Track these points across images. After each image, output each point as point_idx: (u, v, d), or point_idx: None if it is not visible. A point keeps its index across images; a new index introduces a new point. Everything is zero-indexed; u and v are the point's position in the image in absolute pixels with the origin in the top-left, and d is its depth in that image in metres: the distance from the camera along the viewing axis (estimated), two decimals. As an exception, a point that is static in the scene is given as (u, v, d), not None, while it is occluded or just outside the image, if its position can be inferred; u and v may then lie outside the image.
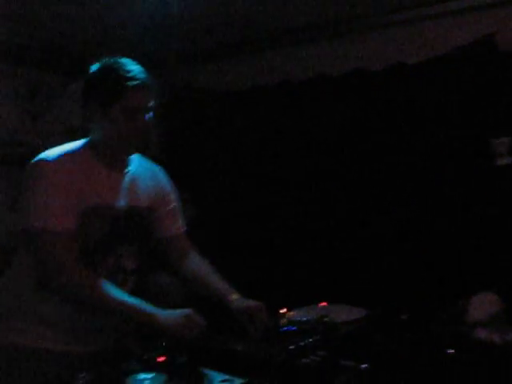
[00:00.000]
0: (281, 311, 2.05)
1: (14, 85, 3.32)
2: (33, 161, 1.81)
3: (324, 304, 2.29)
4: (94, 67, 1.88)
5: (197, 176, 3.66)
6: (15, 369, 1.81)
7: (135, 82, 1.81)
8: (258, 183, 3.49)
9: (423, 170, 2.94)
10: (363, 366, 1.68)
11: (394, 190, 3.01)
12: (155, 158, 2.20)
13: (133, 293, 2.00)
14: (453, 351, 1.88)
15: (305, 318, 2.01)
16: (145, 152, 2.11)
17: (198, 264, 2.11)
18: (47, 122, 3.43)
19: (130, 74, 1.81)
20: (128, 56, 1.91)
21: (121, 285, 1.94)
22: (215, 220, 3.53)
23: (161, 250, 2.12)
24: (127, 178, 1.96)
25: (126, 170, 1.97)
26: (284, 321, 2.00)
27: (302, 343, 1.69)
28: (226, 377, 1.48)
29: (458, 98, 2.85)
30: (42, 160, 1.80)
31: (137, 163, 2.03)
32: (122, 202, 1.92)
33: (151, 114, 1.88)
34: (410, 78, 3.01)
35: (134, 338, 2.03)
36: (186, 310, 1.75)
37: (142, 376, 1.46)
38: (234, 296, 1.96)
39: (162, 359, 1.59)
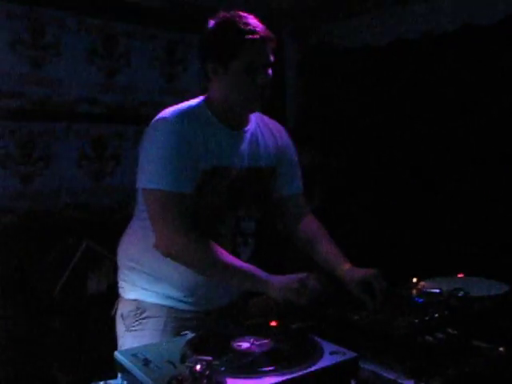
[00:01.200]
0: (411, 280, 1.89)
1: (151, 47, 3.39)
2: (153, 120, 1.79)
3: (461, 275, 2.07)
4: (211, 22, 1.78)
5: (332, 136, 3.53)
6: (138, 320, 1.86)
7: (255, 36, 1.71)
8: (396, 142, 3.29)
9: None
10: (500, 349, 1.48)
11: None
12: (292, 122, 2.12)
13: (253, 254, 1.96)
14: None
15: (437, 290, 1.81)
16: (282, 117, 2.02)
17: (312, 228, 2.00)
18: (184, 82, 3.47)
19: (248, 28, 1.72)
20: (257, 14, 1.81)
21: (242, 247, 1.89)
22: (344, 179, 3.39)
23: (277, 211, 2.04)
24: (247, 137, 1.88)
25: (246, 129, 1.89)
26: (414, 291, 1.84)
27: (427, 317, 1.51)
28: (339, 348, 1.35)
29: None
30: (161, 119, 1.76)
31: (257, 121, 1.95)
32: (242, 163, 1.85)
33: (270, 70, 1.78)
34: None
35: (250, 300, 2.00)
36: (301, 275, 1.65)
37: (248, 339, 1.38)
38: (347, 266, 1.82)
39: (273, 324, 1.51)
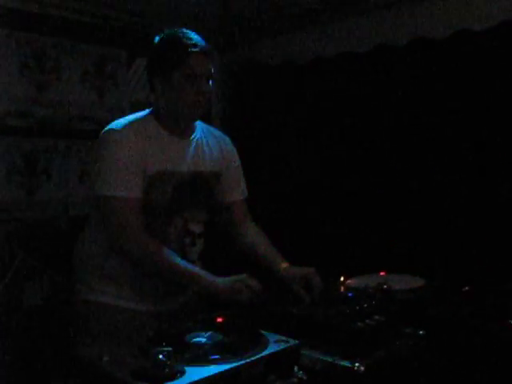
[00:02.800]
0: (340, 279, 2.08)
1: (80, 61, 3.42)
2: (103, 131, 1.93)
3: (383, 273, 2.29)
4: (158, 38, 1.97)
5: (257, 149, 3.69)
6: (88, 321, 1.95)
7: (196, 49, 1.89)
8: (319, 155, 3.50)
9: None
10: (420, 332, 1.68)
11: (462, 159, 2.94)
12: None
13: (202, 255, 2.09)
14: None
15: (363, 285, 2.01)
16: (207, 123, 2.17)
17: (252, 232, 2.16)
18: (114, 97, 3.54)
19: (191, 42, 1.90)
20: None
21: (189, 247, 2.02)
22: (272, 190, 3.55)
23: (221, 216, 2.18)
24: (192, 144, 2.03)
25: (192, 137, 2.04)
26: (342, 288, 2.03)
27: (357, 307, 1.70)
28: (281, 337, 1.50)
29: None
30: (110, 130, 1.91)
31: (202, 130, 2.11)
32: (187, 168, 2.00)
33: (212, 81, 1.94)
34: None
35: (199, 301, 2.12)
36: (242, 275, 1.80)
37: (200, 334, 1.51)
38: (285, 265, 2.00)
39: (220, 320, 1.64)
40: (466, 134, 2.89)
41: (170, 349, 1.29)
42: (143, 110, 2.05)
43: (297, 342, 1.48)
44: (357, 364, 1.44)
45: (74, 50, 3.40)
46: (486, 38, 2.77)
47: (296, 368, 1.45)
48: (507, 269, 2.51)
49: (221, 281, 1.82)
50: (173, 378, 1.25)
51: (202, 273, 1.84)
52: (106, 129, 1.92)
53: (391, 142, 3.20)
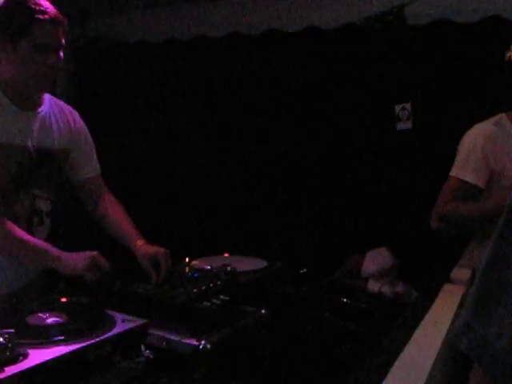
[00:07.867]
0: (184, 260, 2.10)
1: None
2: None
3: (226, 255, 2.36)
4: (2, 1, 1.80)
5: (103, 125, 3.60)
6: None
7: (45, 17, 1.76)
8: (166, 135, 3.51)
9: (327, 135, 3.07)
10: (262, 311, 1.77)
11: (303, 149, 3.12)
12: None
13: (50, 235, 2.00)
14: (347, 301, 2.01)
15: (208, 267, 2.06)
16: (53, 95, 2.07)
17: (111, 207, 2.12)
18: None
19: (39, 8, 1.76)
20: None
21: (37, 226, 1.93)
22: (123, 168, 3.50)
23: (76, 192, 2.11)
24: (39, 118, 1.92)
25: (39, 110, 1.92)
26: (187, 269, 2.06)
27: (203, 287, 1.74)
28: (129, 317, 1.50)
29: (364, 64, 2.98)
30: None
31: (50, 104, 2.00)
32: (32, 143, 1.88)
33: (61, 52, 1.84)
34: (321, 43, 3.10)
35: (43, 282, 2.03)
36: (91, 252, 1.76)
37: (43, 315, 1.45)
38: (140, 242, 1.98)
39: (64, 300, 1.60)
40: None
41: (11, 331, 1.23)
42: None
43: (144, 321, 1.49)
44: (203, 342, 1.48)
45: None
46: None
47: (143, 347, 1.46)
48: (339, 253, 2.73)
49: (68, 256, 1.76)
50: (15, 362, 1.19)
51: (49, 247, 1.77)
52: None
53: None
